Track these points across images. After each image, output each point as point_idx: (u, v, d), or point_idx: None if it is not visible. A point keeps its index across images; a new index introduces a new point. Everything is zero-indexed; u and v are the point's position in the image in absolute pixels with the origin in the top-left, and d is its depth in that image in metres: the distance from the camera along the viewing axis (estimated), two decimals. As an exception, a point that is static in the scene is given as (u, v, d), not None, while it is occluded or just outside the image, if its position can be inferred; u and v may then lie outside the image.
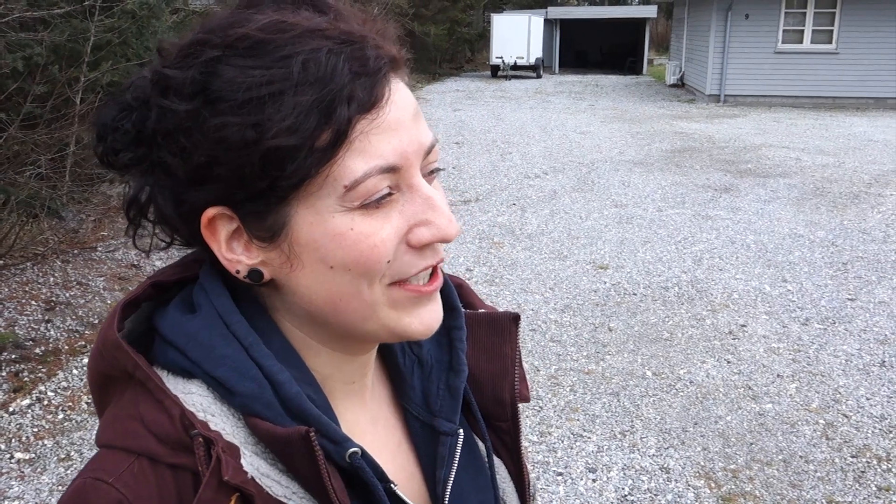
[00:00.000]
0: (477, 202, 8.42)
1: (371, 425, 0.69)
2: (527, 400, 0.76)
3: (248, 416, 0.58)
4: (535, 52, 25.86)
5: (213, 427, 0.57)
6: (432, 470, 0.71)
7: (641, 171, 10.12)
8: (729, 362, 4.55)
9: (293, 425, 0.57)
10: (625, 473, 3.47)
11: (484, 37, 29.98)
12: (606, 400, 4.12)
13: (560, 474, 3.46)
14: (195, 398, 0.58)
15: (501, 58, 25.41)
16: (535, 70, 26.15)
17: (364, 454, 0.61)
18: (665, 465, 3.53)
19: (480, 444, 0.74)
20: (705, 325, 5.11)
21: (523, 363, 0.78)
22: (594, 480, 3.42)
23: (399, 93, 0.58)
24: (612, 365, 4.53)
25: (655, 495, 3.31)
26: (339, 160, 0.55)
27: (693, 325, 5.10)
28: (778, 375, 4.39)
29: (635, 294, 5.68)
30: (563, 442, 3.72)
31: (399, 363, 0.72)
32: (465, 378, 0.71)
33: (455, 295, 0.74)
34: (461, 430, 0.70)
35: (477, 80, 25.17)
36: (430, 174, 0.62)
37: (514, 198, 8.63)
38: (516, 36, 25.38)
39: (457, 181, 9.46)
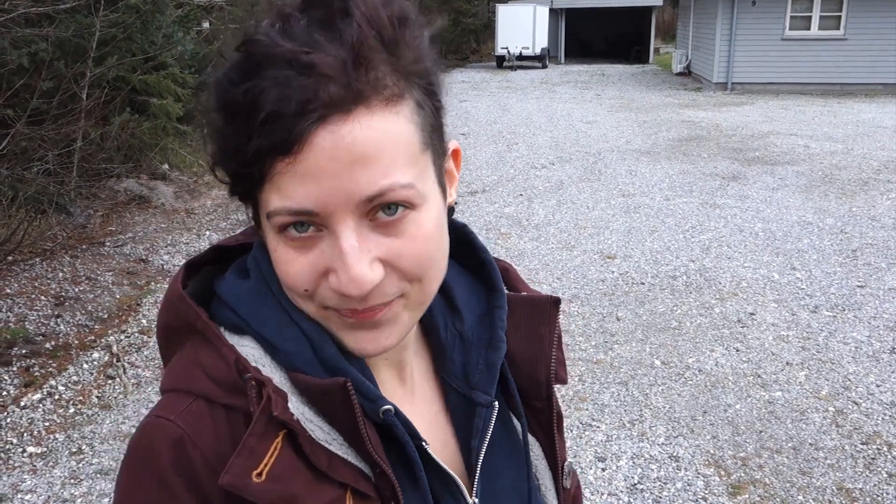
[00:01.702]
0: (483, 193, 8.41)
1: (409, 396, 0.72)
2: (563, 382, 0.77)
3: (290, 371, 0.64)
4: (541, 42, 25.76)
5: (265, 373, 0.62)
6: (468, 441, 0.73)
7: (648, 160, 10.09)
8: (738, 350, 4.54)
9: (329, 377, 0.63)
10: (634, 462, 3.47)
11: (489, 27, 29.87)
12: (615, 389, 4.12)
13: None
14: (247, 350, 0.64)
15: (507, 48, 25.32)
16: (540, 60, 26.05)
17: (397, 412, 0.64)
18: (674, 454, 3.52)
19: (516, 421, 0.77)
20: (714, 313, 5.09)
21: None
22: (603, 469, 3.42)
23: (335, 140, 0.55)
24: (620, 354, 4.53)
25: (665, 484, 3.31)
26: (265, 189, 0.58)
27: (701, 314, 5.08)
28: (787, 363, 4.37)
29: (643, 283, 5.66)
30: (571, 431, 3.72)
31: (441, 337, 0.75)
32: (503, 354, 0.73)
33: (499, 277, 0.77)
34: (496, 403, 0.72)
35: (482, 71, 25.10)
36: (389, 213, 0.58)
37: (521, 188, 8.62)
38: (521, 26, 25.28)
39: (463, 172, 9.44)
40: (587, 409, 3.91)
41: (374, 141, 0.56)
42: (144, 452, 0.62)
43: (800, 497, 3.20)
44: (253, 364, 0.63)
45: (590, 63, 28.46)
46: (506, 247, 6.54)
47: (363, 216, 0.58)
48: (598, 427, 3.76)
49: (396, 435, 0.64)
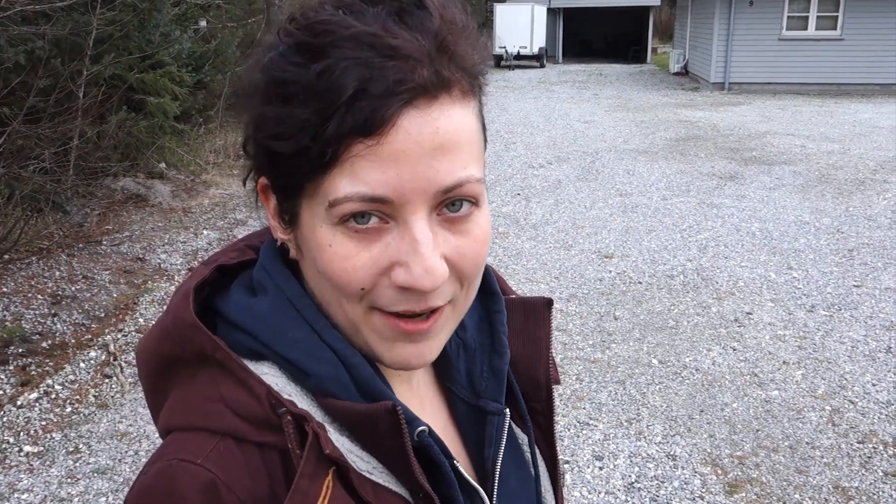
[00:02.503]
0: (481, 192, 8.40)
1: (419, 408, 0.69)
2: (558, 383, 0.78)
3: (321, 397, 0.60)
4: (539, 42, 25.77)
5: (299, 406, 0.58)
6: (478, 449, 0.72)
7: (646, 159, 10.10)
8: (735, 350, 4.55)
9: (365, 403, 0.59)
10: (631, 461, 3.47)
11: (487, 26, 29.87)
12: (612, 388, 4.12)
13: (567, 462, 3.46)
14: (270, 378, 0.59)
15: (504, 47, 25.32)
16: (538, 59, 26.07)
17: (431, 432, 0.62)
18: (671, 453, 3.53)
19: (515, 427, 0.76)
20: (711, 312, 5.10)
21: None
22: (601, 468, 3.42)
23: (421, 125, 0.54)
24: (617, 353, 4.53)
25: (662, 482, 3.32)
26: (330, 175, 0.54)
27: (699, 313, 5.09)
28: (784, 362, 4.38)
29: (640, 283, 5.67)
30: (569, 430, 3.72)
31: (445, 346, 0.72)
32: (508, 360, 0.73)
33: (495, 280, 0.76)
34: (507, 410, 0.72)
35: (480, 71, 25.09)
36: (454, 209, 0.58)
37: (519, 188, 8.62)
38: (519, 25, 25.30)
39: (461, 172, 9.44)
40: (584, 408, 3.92)
41: (455, 131, 0.56)
42: (167, 500, 0.55)
43: (796, 496, 3.21)
44: (284, 396, 0.58)
45: (587, 62, 28.49)
46: (503, 246, 6.54)
47: (433, 209, 0.57)
48: (595, 426, 3.76)
49: (431, 455, 0.62)
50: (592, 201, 7.99)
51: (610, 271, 5.91)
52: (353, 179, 0.53)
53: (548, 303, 0.77)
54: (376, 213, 0.55)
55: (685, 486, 3.29)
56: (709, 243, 6.56)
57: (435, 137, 0.54)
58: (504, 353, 0.72)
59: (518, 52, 25.39)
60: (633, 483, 3.31)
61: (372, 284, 0.57)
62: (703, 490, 3.26)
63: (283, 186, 0.59)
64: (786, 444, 3.58)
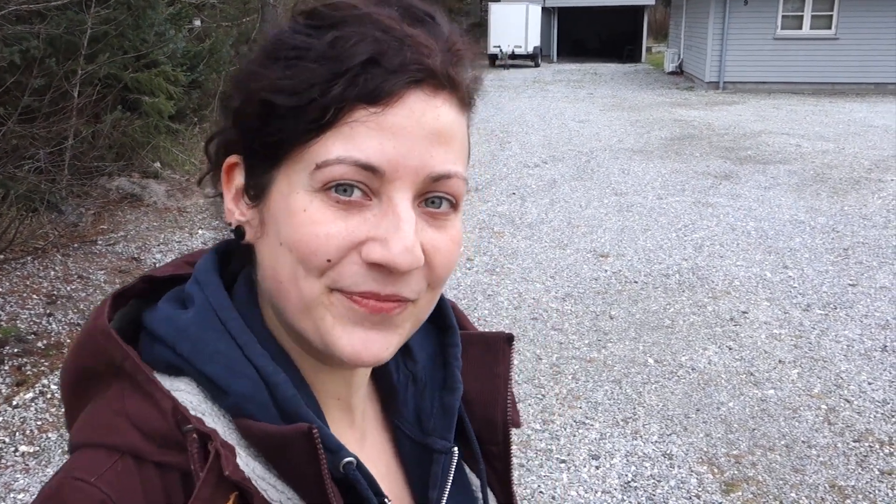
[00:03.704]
0: (477, 192, 8.41)
1: (359, 444, 0.66)
2: (518, 425, 0.73)
3: (239, 419, 0.56)
4: (533, 41, 25.78)
5: (208, 424, 0.55)
6: (423, 490, 0.68)
7: (641, 159, 10.11)
8: (730, 349, 4.56)
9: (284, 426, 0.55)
10: (628, 460, 3.48)
11: (481, 25, 29.85)
12: (608, 387, 4.13)
13: (563, 461, 3.47)
14: (184, 395, 0.56)
15: (499, 47, 25.32)
16: (533, 59, 26.07)
17: (359, 465, 0.58)
18: (668, 452, 3.53)
19: (468, 470, 0.72)
20: (706, 312, 5.11)
21: (513, 387, 0.75)
22: (597, 467, 3.42)
23: (425, 108, 0.54)
24: (613, 353, 4.54)
25: (658, 481, 3.32)
26: (323, 138, 0.54)
27: (694, 312, 5.10)
28: (780, 361, 4.39)
29: (636, 282, 5.68)
30: (565, 429, 3.73)
31: (393, 379, 0.69)
32: (460, 396, 0.69)
33: (451, 313, 0.73)
34: (455, 449, 0.67)
35: (475, 70, 25.08)
36: (434, 205, 0.57)
37: (514, 187, 8.62)
38: (514, 24, 25.30)
39: (456, 171, 9.44)
40: (581, 408, 3.92)
41: (452, 125, 0.57)
42: None
43: (793, 494, 3.21)
44: (192, 413, 0.55)
45: (582, 62, 28.51)
46: (499, 245, 6.54)
47: (417, 197, 0.56)
48: (591, 425, 3.76)
49: (359, 490, 0.58)
50: (588, 200, 8.00)
51: (605, 270, 5.92)
52: (349, 143, 0.53)
53: (508, 338, 0.73)
54: (361, 187, 0.54)
55: (682, 485, 3.30)
56: (704, 242, 6.58)
57: (436, 123, 0.55)
58: (456, 388, 0.68)
59: (513, 52, 25.39)
60: (629, 482, 3.32)
61: (339, 258, 0.54)
62: (700, 489, 3.27)
63: (263, 152, 0.57)
64: (782, 443, 3.58)
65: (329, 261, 0.54)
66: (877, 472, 3.36)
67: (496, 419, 0.71)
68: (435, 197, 0.56)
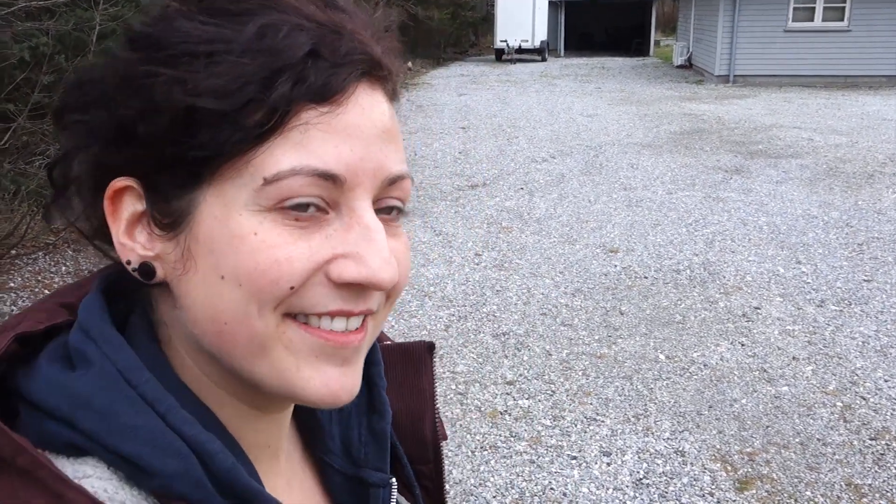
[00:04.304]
0: (484, 187, 8.38)
1: (286, 490, 0.58)
2: (444, 438, 0.68)
3: (168, 501, 0.46)
4: (540, 35, 25.68)
5: None
6: None
7: (650, 153, 10.05)
8: (743, 345, 4.52)
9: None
10: (639, 457, 3.45)
11: (488, 20, 29.80)
12: (619, 383, 4.10)
13: (574, 458, 3.44)
14: (95, 483, 0.44)
15: (506, 41, 25.25)
16: (540, 53, 25.98)
17: None
18: (680, 449, 3.50)
19: (400, 498, 0.66)
20: (718, 307, 5.07)
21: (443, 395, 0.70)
22: (608, 464, 3.40)
23: (372, 104, 0.48)
24: (624, 348, 4.50)
25: (671, 478, 3.29)
26: (267, 147, 0.45)
27: (706, 308, 5.06)
28: (793, 358, 4.35)
29: (646, 277, 5.64)
30: (576, 426, 3.70)
31: (315, 411, 0.62)
32: (390, 420, 0.62)
33: None
34: (393, 480, 0.62)
35: (482, 65, 25.04)
36: (387, 212, 0.51)
37: (522, 182, 8.58)
38: (521, 19, 25.21)
39: (463, 166, 9.42)
40: (591, 404, 3.89)
41: (394, 121, 0.51)
42: None
43: (808, 493, 3.18)
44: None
45: (590, 56, 28.40)
46: (508, 241, 6.51)
47: (373, 203, 0.49)
48: (602, 421, 3.74)
49: None
50: (596, 195, 7.95)
51: (615, 266, 5.88)
52: (302, 151, 0.45)
53: (429, 347, 0.67)
54: (317, 202, 0.46)
55: (695, 482, 3.27)
56: (715, 237, 6.53)
57: (383, 118, 0.49)
58: (385, 412, 0.62)
59: (519, 46, 25.30)
60: (641, 479, 3.29)
61: (302, 283, 0.46)
62: (713, 486, 3.23)
63: (179, 170, 0.46)
64: (796, 440, 3.55)
65: (292, 288, 0.46)
66: (894, 471, 3.32)
67: (426, 437, 0.67)
68: (388, 205, 0.51)
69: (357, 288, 0.48)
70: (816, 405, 3.84)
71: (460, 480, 3.29)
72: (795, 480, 3.26)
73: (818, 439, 3.55)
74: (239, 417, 0.52)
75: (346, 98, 0.47)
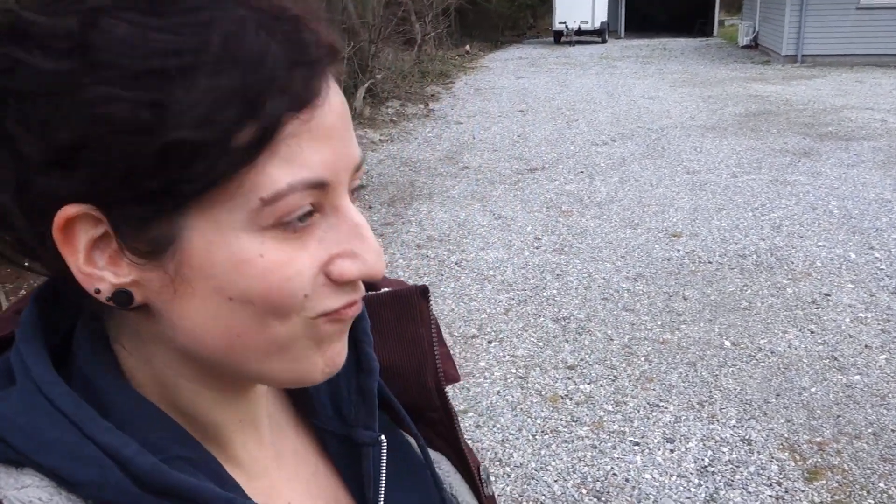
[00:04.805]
0: (543, 170, 8.30)
1: (275, 461, 0.58)
2: (456, 379, 0.67)
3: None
4: (600, 17, 25.23)
5: None
6: (360, 489, 0.61)
7: (714, 136, 9.80)
8: (812, 332, 4.38)
9: (157, 502, 0.46)
10: (704, 444, 3.38)
11: (546, 2, 29.38)
12: (683, 370, 4.03)
13: (637, 444, 3.40)
14: (32, 493, 0.45)
15: (565, 23, 24.88)
16: (599, 35, 25.54)
17: None
18: (747, 437, 3.43)
19: (411, 440, 0.66)
20: (786, 294, 4.93)
21: (445, 340, 0.69)
22: (672, 451, 3.35)
23: (335, 95, 0.46)
24: (687, 334, 4.42)
25: (737, 467, 3.22)
26: (260, 166, 0.42)
27: (773, 294, 4.92)
28: (866, 346, 4.20)
29: (710, 262, 5.51)
30: (639, 412, 3.65)
31: None
32: (378, 376, 0.61)
33: None
34: (383, 437, 0.61)
35: (540, 47, 24.75)
36: (352, 193, 0.50)
37: (582, 165, 8.47)
38: (580, 0, 24.79)
39: (522, 149, 9.35)
40: (654, 390, 3.83)
41: (344, 103, 0.49)
42: None
43: (881, 484, 3.08)
44: None
45: (651, 37, 27.78)
46: (567, 224, 6.45)
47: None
48: (665, 408, 3.68)
49: None
50: (659, 179, 7.80)
51: (678, 250, 5.77)
52: (294, 165, 0.43)
53: (422, 291, 0.66)
54: (310, 209, 0.45)
55: (762, 471, 3.19)
56: (783, 222, 6.34)
57: (343, 107, 0.47)
58: (371, 367, 0.61)
59: (579, 28, 24.90)
60: (706, 467, 3.23)
61: (312, 288, 0.46)
62: (781, 476, 3.16)
63: (153, 202, 0.42)
64: (869, 430, 3.43)
65: (306, 296, 0.46)
66: (974, 464, 3.19)
67: (428, 384, 0.66)
68: (353, 187, 0.50)
69: (365, 280, 0.49)
70: (891, 395, 3.71)
71: (521, 464, 3.29)
72: (868, 472, 3.15)
73: (892, 430, 3.42)
74: (210, 400, 0.52)
75: (322, 100, 0.44)
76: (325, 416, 0.61)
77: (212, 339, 0.47)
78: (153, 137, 0.40)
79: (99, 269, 0.45)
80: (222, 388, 0.53)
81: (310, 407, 0.61)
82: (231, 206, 0.43)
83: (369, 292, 0.65)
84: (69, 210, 0.43)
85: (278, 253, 0.44)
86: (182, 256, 0.44)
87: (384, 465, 0.60)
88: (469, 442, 3.38)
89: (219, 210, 0.43)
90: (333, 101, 0.46)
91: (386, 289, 0.67)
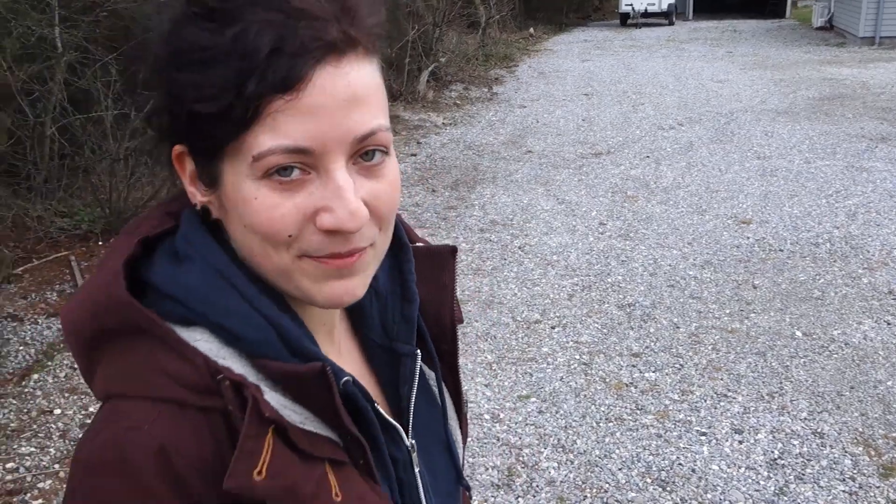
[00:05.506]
0: (608, 154, 8.19)
1: (338, 357, 0.73)
2: (461, 321, 0.84)
3: (256, 359, 0.63)
4: (668, -2, 24.59)
5: (236, 371, 0.62)
6: (392, 388, 0.78)
7: (786, 120, 9.49)
8: (889, 324, 4.23)
9: (298, 363, 0.63)
10: (774, 436, 3.31)
11: (612, -17, 28.80)
12: (752, 360, 3.94)
13: (703, 434, 3.35)
14: (203, 345, 0.62)
15: (631, 5, 24.34)
16: (667, 17, 24.91)
17: (355, 381, 0.67)
18: (818, 430, 3.34)
19: (424, 366, 0.82)
20: (861, 283, 4.76)
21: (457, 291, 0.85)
22: (740, 442, 3.29)
23: (335, 79, 0.58)
24: (757, 324, 4.32)
25: (808, 460, 3.15)
26: (252, 132, 0.58)
27: (848, 284, 4.76)
28: (947, 340, 4.04)
29: (782, 250, 5.36)
30: (705, 401, 3.59)
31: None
32: (418, 306, 0.78)
33: (404, 232, 0.81)
34: (418, 351, 0.77)
35: (605, 30, 24.30)
36: (368, 158, 0.62)
37: (648, 150, 8.32)
38: (647, -19, 24.20)
39: (587, 133, 9.23)
40: (722, 380, 3.77)
41: (364, 84, 0.60)
42: (120, 469, 0.58)
43: (962, 483, 2.96)
44: (214, 359, 0.61)
45: (720, 19, 26.97)
46: (633, 209, 6.35)
47: (350, 158, 0.61)
48: (734, 398, 3.61)
49: (355, 401, 0.67)
50: (727, 164, 7.61)
51: (748, 237, 5.63)
52: (275, 133, 0.57)
53: (452, 250, 0.83)
54: (298, 166, 0.59)
55: (834, 465, 3.11)
56: (858, 209, 6.11)
57: (347, 90, 0.59)
58: (414, 300, 0.78)
59: (645, 10, 24.33)
60: (775, 459, 3.17)
61: (298, 231, 0.60)
62: (855, 471, 3.07)
63: (203, 149, 0.62)
64: (950, 427, 3.31)
65: (290, 236, 0.61)
66: None
67: (445, 322, 0.82)
68: (367, 150, 0.62)
69: (339, 233, 0.61)
70: (974, 391, 3.56)
71: (584, 451, 3.28)
72: (949, 470, 3.04)
73: (976, 428, 3.29)
74: (301, 305, 0.68)
75: (306, 84, 0.57)
76: (374, 330, 0.78)
77: (244, 251, 0.65)
78: (183, 107, 0.60)
79: (195, 189, 0.65)
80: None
81: (364, 322, 0.79)
82: (239, 159, 0.59)
83: (416, 244, 0.82)
84: (176, 149, 0.64)
85: (268, 199, 0.60)
86: (223, 190, 0.62)
87: (418, 370, 0.77)
88: (531, 428, 3.38)
89: (234, 161, 0.60)
90: (328, 85, 0.58)
91: (424, 244, 0.84)
